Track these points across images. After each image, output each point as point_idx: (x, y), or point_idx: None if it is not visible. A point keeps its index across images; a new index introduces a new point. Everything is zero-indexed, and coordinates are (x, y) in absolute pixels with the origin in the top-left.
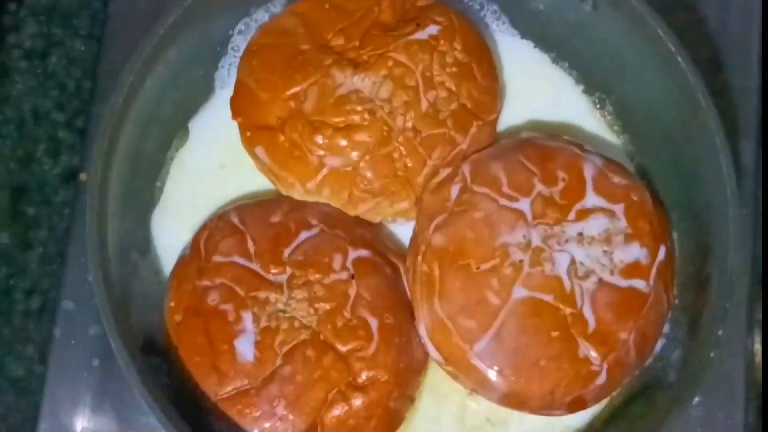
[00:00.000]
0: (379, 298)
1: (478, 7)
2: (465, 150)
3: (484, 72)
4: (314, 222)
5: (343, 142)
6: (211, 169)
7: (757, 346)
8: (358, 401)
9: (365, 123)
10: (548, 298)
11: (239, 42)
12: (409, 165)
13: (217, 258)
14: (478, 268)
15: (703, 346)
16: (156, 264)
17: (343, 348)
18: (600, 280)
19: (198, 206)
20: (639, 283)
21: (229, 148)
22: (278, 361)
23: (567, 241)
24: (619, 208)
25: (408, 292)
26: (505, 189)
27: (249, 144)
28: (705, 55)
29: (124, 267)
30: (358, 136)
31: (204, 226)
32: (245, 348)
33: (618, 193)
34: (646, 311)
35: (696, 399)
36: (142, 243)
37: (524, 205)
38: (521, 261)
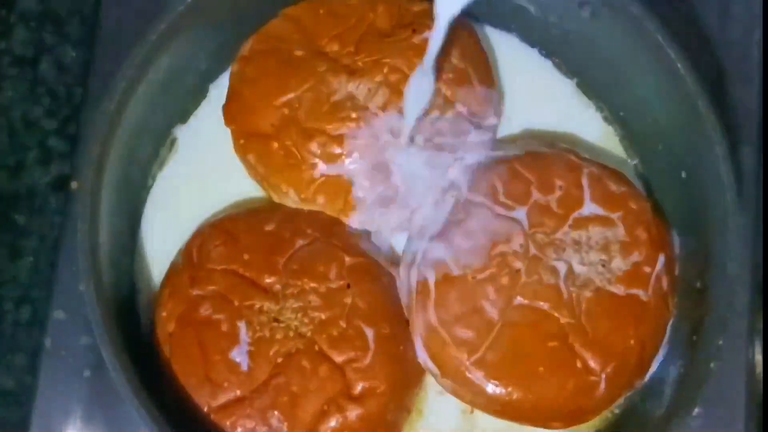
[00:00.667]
0: (375, 307)
1: (475, 13)
2: (461, 157)
3: (481, 78)
4: (309, 230)
5: (338, 150)
6: (203, 176)
7: (758, 357)
8: (353, 413)
9: (360, 130)
10: (546, 307)
11: (232, 48)
12: (405, 173)
13: (210, 267)
14: (474, 277)
15: (703, 356)
16: (147, 273)
17: (338, 358)
18: (598, 288)
19: (190, 214)
20: (638, 292)
21: (221, 155)
22: (273, 372)
23: (564, 249)
24: (617, 216)
25: (403, 302)
26: (502, 197)
27: (242, 151)
28: (705, 62)
29: (115, 276)
30: (353, 144)
31: (196, 235)
32: (239, 358)
33: (616, 201)
34: (646, 320)
35: (696, 410)
36: (133, 252)
37: (521, 213)
38: (518, 270)
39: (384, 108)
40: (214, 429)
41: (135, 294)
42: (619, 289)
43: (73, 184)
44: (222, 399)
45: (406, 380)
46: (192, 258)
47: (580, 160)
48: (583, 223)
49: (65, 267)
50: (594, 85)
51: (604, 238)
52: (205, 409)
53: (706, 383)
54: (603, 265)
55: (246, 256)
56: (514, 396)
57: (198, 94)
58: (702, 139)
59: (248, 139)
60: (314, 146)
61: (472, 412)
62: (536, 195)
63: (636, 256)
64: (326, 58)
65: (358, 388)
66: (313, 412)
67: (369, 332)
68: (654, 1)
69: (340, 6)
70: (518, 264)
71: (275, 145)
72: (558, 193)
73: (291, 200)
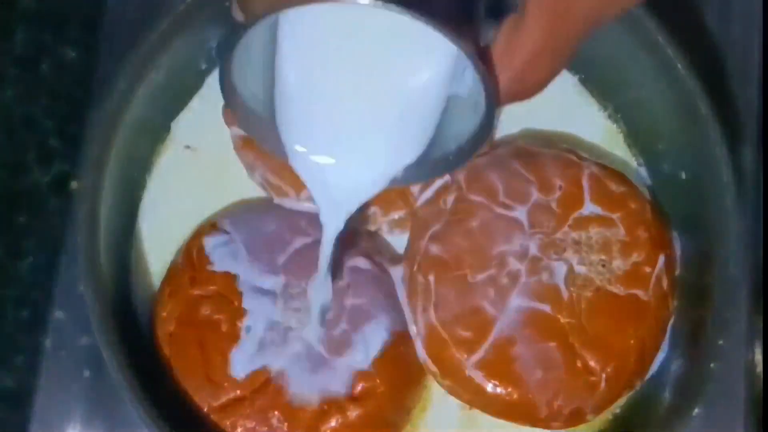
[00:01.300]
0: (375, 307)
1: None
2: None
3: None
4: (309, 230)
5: None
6: (203, 176)
7: (758, 357)
8: (354, 413)
9: None
10: (546, 307)
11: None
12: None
13: (210, 266)
14: (474, 277)
15: (704, 356)
16: (147, 273)
17: (338, 358)
18: (598, 289)
19: (189, 214)
20: (638, 292)
21: (221, 155)
22: (273, 372)
23: (564, 249)
24: (617, 217)
25: (403, 302)
26: (502, 197)
27: (242, 152)
28: (705, 62)
29: (115, 276)
30: None
31: (196, 234)
32: (239, 359)
33: (616, 201)
34: (646, 320)
35: (696, 411)
36: (132, 252)
37: (521, 213)
38: (518, 270)
39: None
40: (214, 429)
41: (134, 294)
42: (619, 289)
43: (73, 184)
44: (222, 399)
45: (406, 380)
46: (191, 258)
47: (580, 160)
48: (583, 223)
49: (65, 267)
50: (594, 84)
51: (604, 238)
52: (205, 410)
53: (706, 383)
54: (603, 265)
55: (246, 256)
56: (514, 396)
57: (198, 94)
58: (702, 139)
59: (247, 140)
60: None
61: (470, 409)
62: (536, 195)
63: (636, 256)
64: None
65: (359, 388)
66: (313, 412)
67: (369, 332)
68: (654, 1)
69: None
70: (518, 264)
71: None
72: (558, 193)
73: (291, 200)
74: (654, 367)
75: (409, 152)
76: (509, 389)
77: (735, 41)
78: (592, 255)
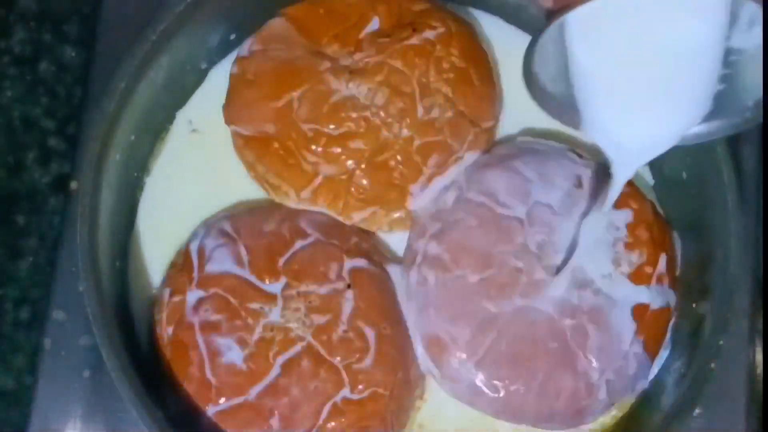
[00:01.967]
0: (375, 308)
1: (475, 12)
2: (461, 157)
3: (482, 78)
4: (309, 231)
5: (338, 150)
6: (203, 176)
7: (759, 357)
8: (354, 414)
9: (360, 130)
10: (546, 308)
11: (232, 48)
12: (405, 173)
13: (210, 267)
14: (474, 277)
15: (704, 356)
16: (146, 273)
17: (338, 359)
18: (599, 289)
19: (189, 214)
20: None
21: (221, 155)
22: (273, 373)
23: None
24: (618, 216)
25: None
26: (502, 197)
27: (242, 151)
28: None
29: (114, 276)
30: (353, 144)
31: (195, 235)
32: (239, 360)
33: (617, 201)
34: (647, 321)
35: (696, 411)
36: (131, 251)
37: (521, 213)
38: (519, 270)
39: (385, 108)
40: (214, 429)
41: (134, 294)
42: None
43: (73, 184)
44: (222, 400)
45: (406, 381)
46: (191, 259)
47: (580, 159)
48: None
49: (65, 267)
50: None
51: (605, 238)
52: (205, 410)
53: (706, 383)
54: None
55: (246, 257)
56: (514, 397)
57: (198, 94)
58: None
59: (248, 139)
60: (314, 146)
61: (470, 409)
62: (537, 194)
63: (637, 256)
64: (326, 57)
65: (359, 389)
66: (314, 414)
67: (369, 333)
68: None
69: (340, 6)
70: (518, 264)
71: (275, 145)
72: (558, 193)
73: (291, 201)
74: (654, 367)
75: (693, 109)
76: (509, 390)
77: None
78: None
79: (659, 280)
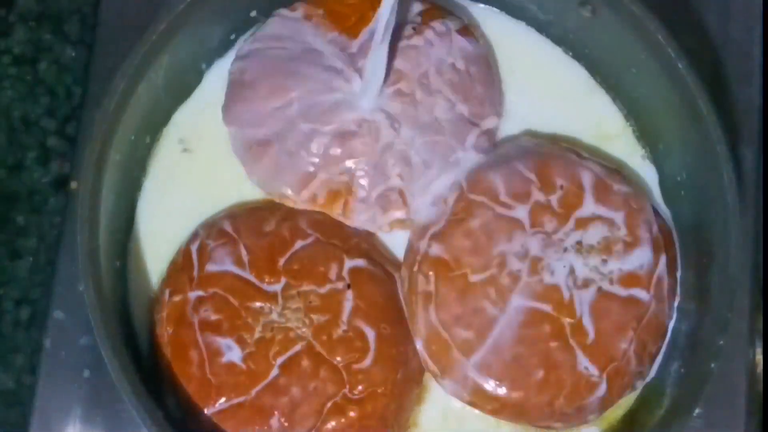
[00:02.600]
0: (375, 308)
1: (477, 11)
2: (462, 158)
3: (483, 79)
4: (309, 231)
5: (338, 150)
6: (202, 176)
7: (759, 357)
8: (354, 414)
9: (360, 130)
10: (546, 307)
11: (232, 48)
12: (405, 174)
13: (210, 267)
14: (474, 277)
15: (704, 356)
16: (146, 273)
17: (338, 359)
18: (599, 289)
19: (189, 214)
20: (639, 293)
21: (221, 155)
22: (273, 373)
23: (566, 249)
24: (618, 216)
25: (403, 303)
26: (503, 197)
27: (241, 151)
28: (705, 62)
29: (114, 276)
30: (352, 144)
31: (195, 234)
32: (239, 360)
33: (617, 201)
34: (647, 321)
35: (696, 411)
36: (131, 251)
37: (522, 213)
38: (519, 270)
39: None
40: (214, 429)
41: (134, 294)
42: (620, 290)
43: (73, 184)
44: (222, 399)
45: (406, 381)
46: (191, 258)
47: (581, 159)
48: (584, 222)
49: (65, 267)
50: (596, 83)
51: (605, 238)
52: (205, 410)
53: (706, 383)
54: (604, 266)
55: (246, 257)
56: (515, 396)
57: (197, 94)
58: (702, 138)
59: (248, 140)
60: (314, 146)
61: (470, 409)
62: (537, 194)
63: (637, 256)
64: (325, 58)
65: (359, 388)
66: (313, 413)
67: (369, 333)
68: (654, 1)
69: (339, 6)
70: (519, 264)
71: (275, 145)
72: (559, 193)
73: (291, 201)
74: (655, 367)
75: None
76: (510, 390)
77: (735, 41)
78: (593, 255)
79: (659, 279)
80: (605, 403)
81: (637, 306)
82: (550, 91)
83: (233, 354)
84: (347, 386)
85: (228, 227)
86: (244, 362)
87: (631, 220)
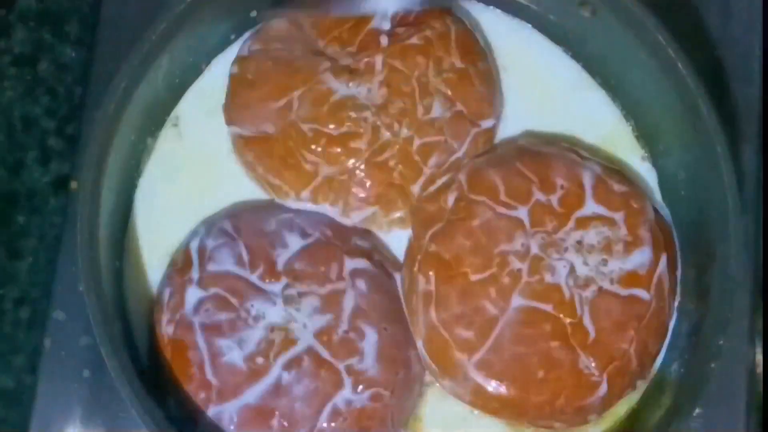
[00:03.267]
0: (376, 308)
1: (477, 11)
2: (462, 157)
3: (482, 78)
4: (309, 231)
5: (338, 150)
6: (202, 176)
7: (759, 357)
8: (354, 414)
9: (360, 130)
10: (547, 307)
11: (232, 48)
12: (405, 173)
13: (211, 267)
14: (475, 277)
15: (704, 356)
16: (146, 273)
17: (339, 359)
18: (600, 288)
19: (189, 214)
20: (639, 292)
21: (221, 154)
22: (273, 374)
23: (566, 249)
24: (618, 216)
25: (404, 303)
26: (503, 197)
27: (242, 151)
28: (706, 62)
29: (114, 276)
30: (353, 144)
31: (196, 234)
32: (239, 360)
33: (618, 201)
34: (647, 320)
35: (696, 411)
36: (131, 251)
37: (522, 213)
38: (519, 270)
39: (384, 108)
40: (214, 429)
41: (134, 294)
42: (620, 289)
43: (73, 184)
44: (222, 400)
45: (407, 381)
46: (191, 258)
47: (581, 159)
48: (584, 222)
49: (65, 267)
50: (596, 82)
51: (606, 237)
52: (205, 410)
53: (706, 383)
54: (604, 265)
55: (246, 257)
56: (515, 396)
57: (197, 94)
58: (702, 139)
59: (248, 140)
60: (314, 146)
61: (471, 409)
62: (538, 194)
63: (637, 256)
64: (326, 57)
65: (359, 389)
66: (314, 414)
67: (370, 333)
68: (654, 1)
69: None
70: (519, 264)
71: (275, 145)
72: (559, 193)
73: (291, 200)
74: (655, 367)
75: None
76: (510, 389)
77: (735, 41)
78: (593, 254)
79: (660, 279)
80: (606, 403)
81: (637, 305)
82: (550, 91)
83: (233, 354)
84: (348, 386)
85: (228, 227)
86: (244, 362)
87: (631, 219)
